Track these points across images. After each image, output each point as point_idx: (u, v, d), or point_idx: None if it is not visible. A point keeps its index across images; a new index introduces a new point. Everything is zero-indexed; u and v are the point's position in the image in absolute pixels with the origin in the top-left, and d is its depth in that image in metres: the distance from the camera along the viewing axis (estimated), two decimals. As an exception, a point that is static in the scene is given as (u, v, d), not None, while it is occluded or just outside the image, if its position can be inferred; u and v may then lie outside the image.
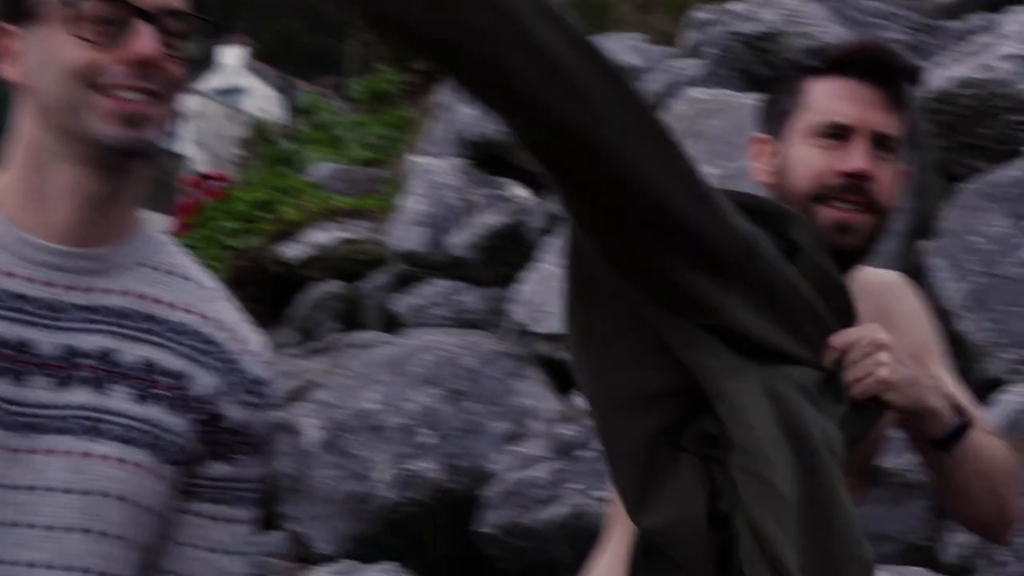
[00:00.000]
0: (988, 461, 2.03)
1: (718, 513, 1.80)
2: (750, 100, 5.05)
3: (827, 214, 2.00)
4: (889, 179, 2.05)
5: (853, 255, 2.03)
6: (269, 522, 5.58)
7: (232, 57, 43.79)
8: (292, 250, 7.62)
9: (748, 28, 5.45)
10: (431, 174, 7.15)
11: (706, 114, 5.09)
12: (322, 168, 8.97)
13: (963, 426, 1.98)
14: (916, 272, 4.60)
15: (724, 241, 1.75)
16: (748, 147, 2.16)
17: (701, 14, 7.74)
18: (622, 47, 7.90)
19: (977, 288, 4.41)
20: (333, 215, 7.74)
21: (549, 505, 4.68)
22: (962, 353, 4.37)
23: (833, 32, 5.28)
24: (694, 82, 5.71)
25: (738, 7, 5.69)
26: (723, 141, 5.01)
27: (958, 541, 3.86)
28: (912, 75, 2.17)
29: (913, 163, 2.22)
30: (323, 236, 7.56)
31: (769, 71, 5.48)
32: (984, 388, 4.18)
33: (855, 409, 1.89)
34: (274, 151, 10.92)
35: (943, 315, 4.44)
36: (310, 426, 5.45)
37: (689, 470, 1.82)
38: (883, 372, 1.89)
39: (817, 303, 1.90)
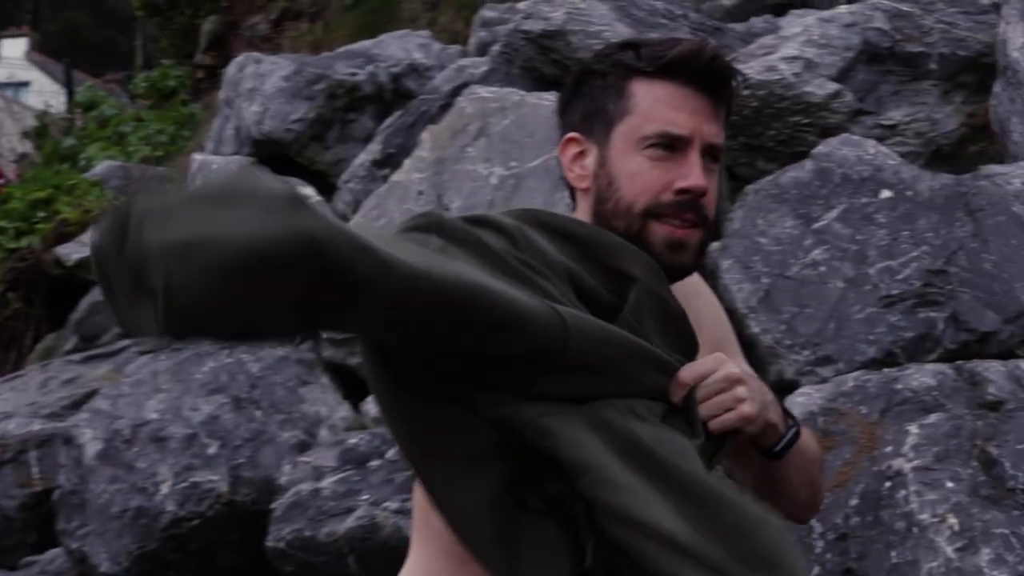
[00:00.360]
0: (807, 455, 2.01)
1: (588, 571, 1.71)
2: (536, 99, 5.00)
3: (661, 232, 1.91)
4: (715, 192, 1.98)
5: (685, 271, 1.95)
6: (48, 539, 5.33)
7: (14, 49, 42.39)
8: (71, 251, 7.33)
9: (534, 26, 5.39)
10: (214, 172, 6.94)
11: (492, 113, 5.01)
12: (103, 166, 8.66)
13: (796, 432, 1.95)
14: (707, 273, 4.60)
15: (533, 345, 1.66)
16: (561, 146, 2.03)
17: (488, 12, 7.69)
18: (411, 45, 7.82)
19: (766, 290, 4.42)
20: (113, 215, 7.45)
21: (340, 517, 4.55)
22: (753, 355, 4.37)
23: (618, 31, 5.25)
24: (483, 81, 5.63)
25: (524, 5, 5.64)
26: (509, 140, 4.94)
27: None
28: (738, 81, 2.07)
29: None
30: (104, 237, 7.27)
31: (555, 70, 5.44)
32: (776, 390, 4.18)
33: (708, 440, 1.82)
34: (55, 147, 10.54)
35: (733, 316, 4.44)
36: (88, 437, 5.21)
37: (546, 529, 1.72)
38: (746, 409, 1.83)
39: (655, 345, 1.82)
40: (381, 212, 5.26)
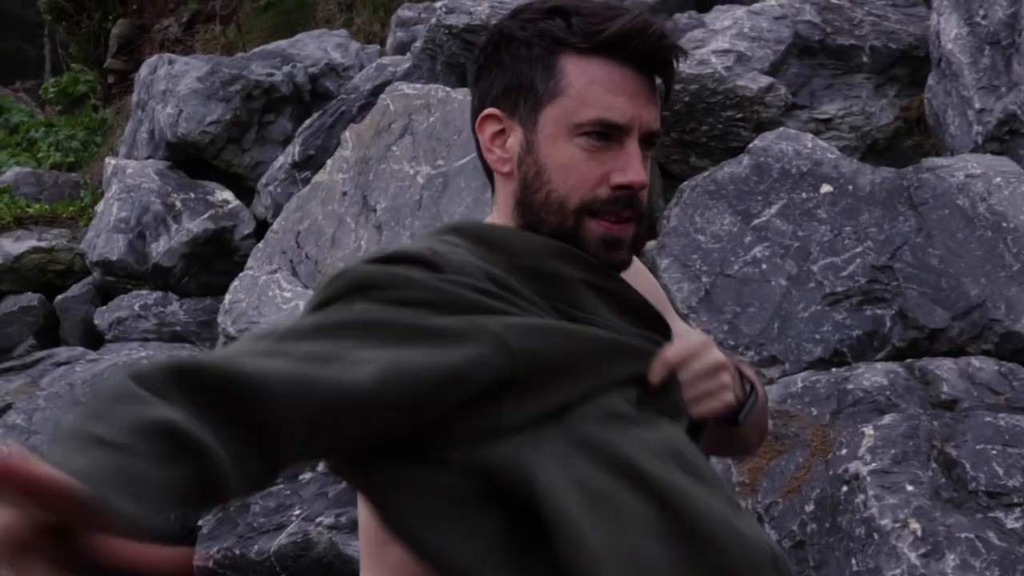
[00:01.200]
0: (759, 406, 1.87)
1: None
2: (462, 95, 4.83)
3: (595, 229, 1.73)
4: (651, 180, 1.81)
5: (621, 267, 1.79)
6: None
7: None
8: (-22, 260, 7.06)
9: (456, 21, 5.21)
10: (128, 177, 6.70)
11: (417, 110, 4.83)
12: (12, 172, 8.36)
13: (755, 398, 1.81)
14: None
15: (482, 385, 1.50)
16: (479, 122, 1.83)
17: (406, 12, 7.52)
18: (329, 44, 7.62)
19: (706, 289, 4.28)
20: (23, 222, 7.19)
21: (271, 534, 4.34)
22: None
23: (550, 25, 5.11)
24: (405, 78, 5.45)
25: (442, 2, 5.45)
26: (435, 138, 4.76)
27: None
28: (679, 60, 1.89)
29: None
30: (14, 245, 7.02)
31: (484, 66, 5.28)
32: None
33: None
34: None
35: (671, 317, 4.30)
36: None
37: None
38: (728, 397, 1.70)
39: (620, 333, 1.66)
40: (304, 214, 5.06)
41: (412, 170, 4.72)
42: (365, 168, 4.90)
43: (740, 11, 5.28)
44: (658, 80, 1.76)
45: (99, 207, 6.85)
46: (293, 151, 6.35)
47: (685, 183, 4.59)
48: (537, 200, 1.74)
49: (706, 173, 4.56)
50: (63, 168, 9.19)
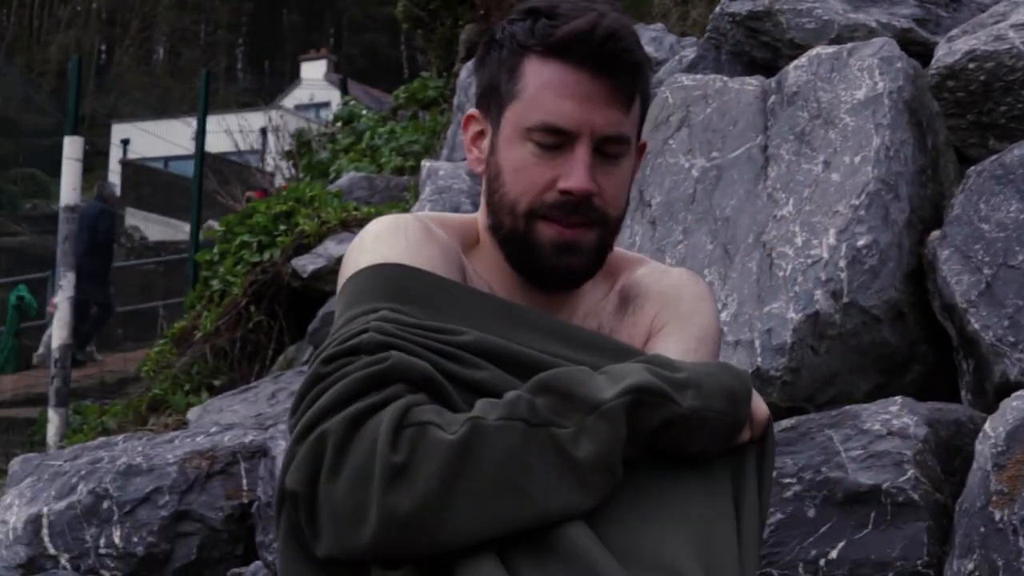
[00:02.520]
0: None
1: None
2: (739, 84, 4.66)
3: (546, 232, 1.66)
4: (617, 186, 1.68)
5: (576, 274, 1.67)
6: (252, 552, 5.29)
7: (314, 71, 44.02)
8: (307, 263, 7.34)
9: (740, 8, 5.04)
10: (440, 179, 6.84)
11: (695, 101, 4.70)
12: (346, 177, 8.68)
13: None
14: (927, 265, 4.18)
15: None
16: (463, 122, 1.78)
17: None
18: (644, 39, 7.54)
19: (987, 281, 3.97)
20: (349, 225, 7.44)
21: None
22: (976, 354, 3.94)
23: (830, 6, 4.86)
24: (691, 68, 5.32)
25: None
26: (711, 129, 4.63)
27: (964, 568, 3.44)
28: (645, 60, 1.76)
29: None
30: (337, 247, 7.27)
31: (766, 53, 5.08)
32: (1000, 393, 3.76)
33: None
34: (312, 161, 10.68)
35: (953, 312, 4.02)
36: (280, 449, 5.12)
37: None
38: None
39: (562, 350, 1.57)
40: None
41: (687, 163, 4.60)
42: (643, 163, 4.81)
43: (1048, -20, 4.88)
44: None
45: (414, 208, 7.02)
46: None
47: (972, 168, 4.27)
48: (495, 201, 1.70)
49: (994, 157, 4.24)
50: (404, 172, 9.47)
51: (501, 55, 1.72)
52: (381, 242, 1.73)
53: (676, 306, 1.88)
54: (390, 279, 1.63)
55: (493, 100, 1.73)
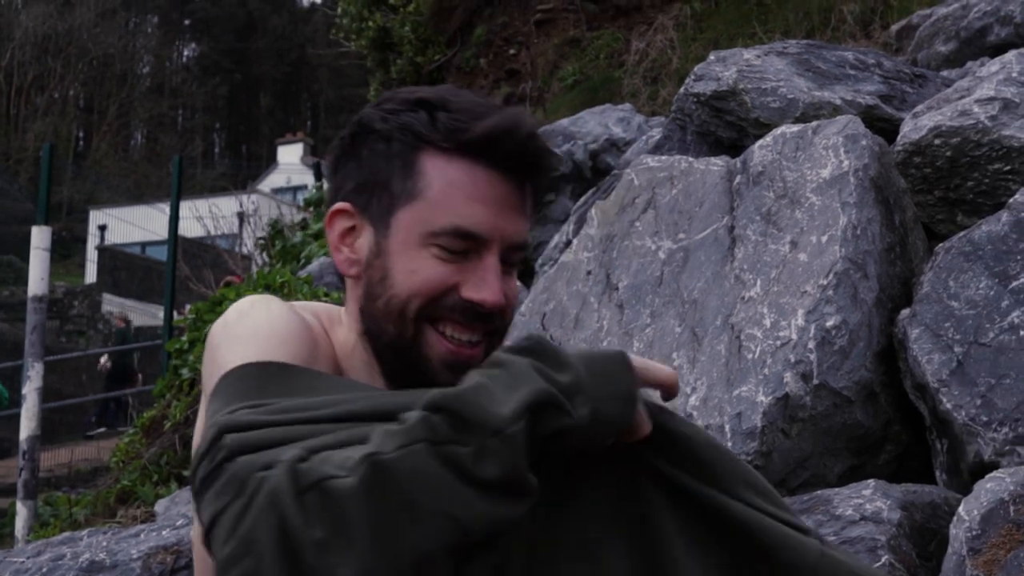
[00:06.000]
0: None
1: None
2: (704, 165, 4.63)
3: (440, 348, 1.54)
4: (514, 296, 1.60)
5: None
6: None
7: (290, 155, 44.17)
8: (277, 351, 7.24)
9: (704, 88, 5.02)
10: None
11: (660, 183, 4.66)
12: (316, 263, 8.62)
13: None
14: (896, 343, 4.13)
15: None
16: (328, 217, 1.64)
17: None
18: (611, 119, 7.54)
19: (959, 360, 3.91)
20: (317, 311, 7.36)
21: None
22: (949, 433, 3.88)
23: (796, 86, 4.84)
24: (657, 149, 5.29)
25: (698, 68, 5.27)
26: (677, 211, 4.58)
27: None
28: (554, 166, 1.66)
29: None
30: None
31: (732, 132, 5.06)
32: (975, 474, 3.70)
33: None
34: (284, 247, 10.61)
35: (924, 392, 3.96)
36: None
37: None
38: None
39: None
40: (550, 295, 4.95)
41: (654, 245, 4.55)
42: (609, 245, 4.76)
43: (1010, 54, 4.87)
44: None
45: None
46: (568, 229, 6.27)
47: (940, 245, 4.24)
48: (378, 308, 1.56)
49: (962, 233, 4.20)
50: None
51: (389, 148, 1.59)
52: (249, 336, 1.59)
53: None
54: (259, 378, 1.50)
55: (376, 196, 1.59)
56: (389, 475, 1.30)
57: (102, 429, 16.24)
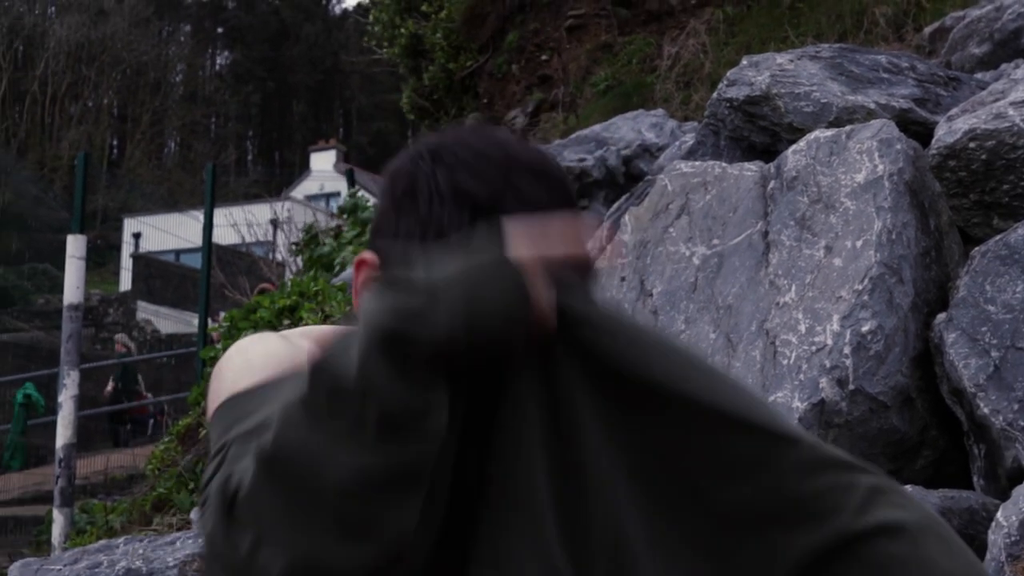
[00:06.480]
0: None
1: None
2: (737, 170, 4.62)
3: None
4: None
5: None
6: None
7: (323, 162, 44.26)
8: (311, 359, 7.26)
9: (737, 93, 5.01)
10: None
11: (694, 188, 4.65)
12: (350, 270, 8.63)
13: None
14: (933, 348, 4.10)
15: None
16: (356, 265, 1.61)
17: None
18: (643, 125, 7.53)
19: (996, 364, 3.89)
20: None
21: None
22: (987, 438, 3.85)
23: (829, 90, 4.82)
24: (690, 154, 5.28)
25: (731, 73, 5.25)
26: (711, 216, 4.57)
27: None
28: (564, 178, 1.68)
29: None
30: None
31: (764, 137, 5.04)
32: (1014, 479, 3.67)
33: None
34: (317, 254, 10.63)
35: (962, 396, 3.94)
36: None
37: None
38: None
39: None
40: (584, 301, 4.94)
41: (688, 251, 4.54)
42: (643, 252, 4.75)
43: (1046, 57, 4.85)
44: None
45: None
46: (601, 235, 6.27)
47: (976, 249, 4.22)
48: None
49: (999, 237, 4.18)
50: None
51: (452, 214, 1.56)
52: (239, 368, 1.62)
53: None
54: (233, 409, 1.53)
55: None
56: (275, 463, 1.30)
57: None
